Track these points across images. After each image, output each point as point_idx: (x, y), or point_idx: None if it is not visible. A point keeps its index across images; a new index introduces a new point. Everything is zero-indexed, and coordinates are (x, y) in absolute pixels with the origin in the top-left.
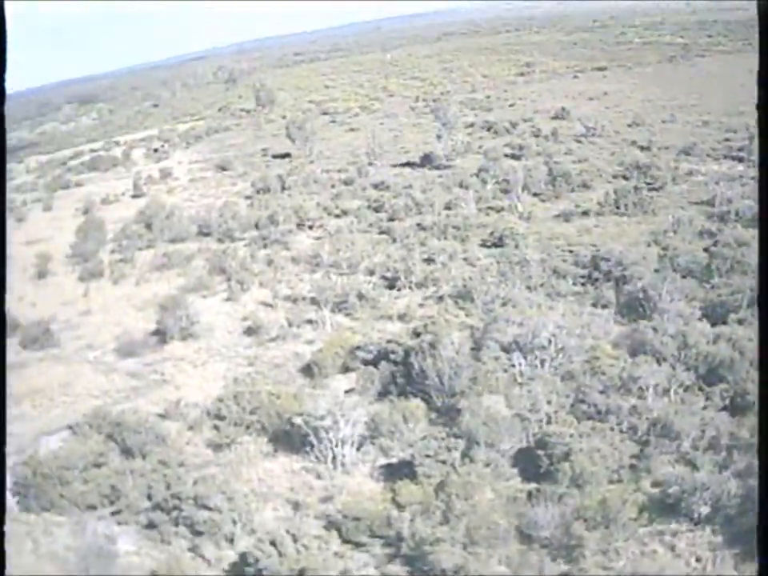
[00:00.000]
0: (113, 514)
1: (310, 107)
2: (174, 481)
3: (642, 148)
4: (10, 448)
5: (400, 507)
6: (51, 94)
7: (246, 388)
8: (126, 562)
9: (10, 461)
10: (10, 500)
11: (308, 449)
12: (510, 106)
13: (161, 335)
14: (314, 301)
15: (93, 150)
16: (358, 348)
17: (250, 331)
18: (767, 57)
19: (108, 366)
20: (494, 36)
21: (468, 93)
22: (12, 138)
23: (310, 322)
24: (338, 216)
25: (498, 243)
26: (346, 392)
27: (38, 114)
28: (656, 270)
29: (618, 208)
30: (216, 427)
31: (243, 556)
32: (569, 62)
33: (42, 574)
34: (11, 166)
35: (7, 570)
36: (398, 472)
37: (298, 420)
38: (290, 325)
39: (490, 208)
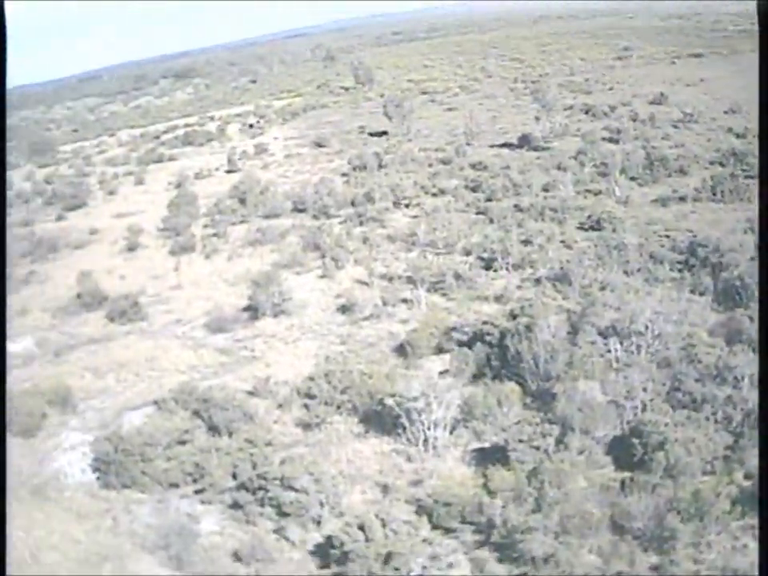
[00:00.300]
0: (196, 492)
1: (409, 86)
2: (261, 460)
3: (738, 135)
4: (92, 423)
5: (491, 493)
6: (147, 68)
7: (338, 367)
8: (208, 542)
9: (91, 436)
10: (90, 476)
11: (399, 431)
12: (609, 89)
13: (252, 311)
14: (409, 280)
15: (187, 125)
16: (453, 329)
17: (343, 309)
18: (767, 56)
19: (197, 342)
20: (590, 20)
21: (566, 75)
22: (104, 111)
23: (404, 301)
24: (434, 195)
25: (596, 226)
26: (440, 373)
27: (134, 88)
28: (752, 258)
29: (714, 194)
30: (306, 406)
31: (329, 539)
32: (665, 47)
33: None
34: (103, 138)
35: (8, 570)
36: (490, 457)
37: (389, 401)
38: (385, 304)
39: (588, 191)
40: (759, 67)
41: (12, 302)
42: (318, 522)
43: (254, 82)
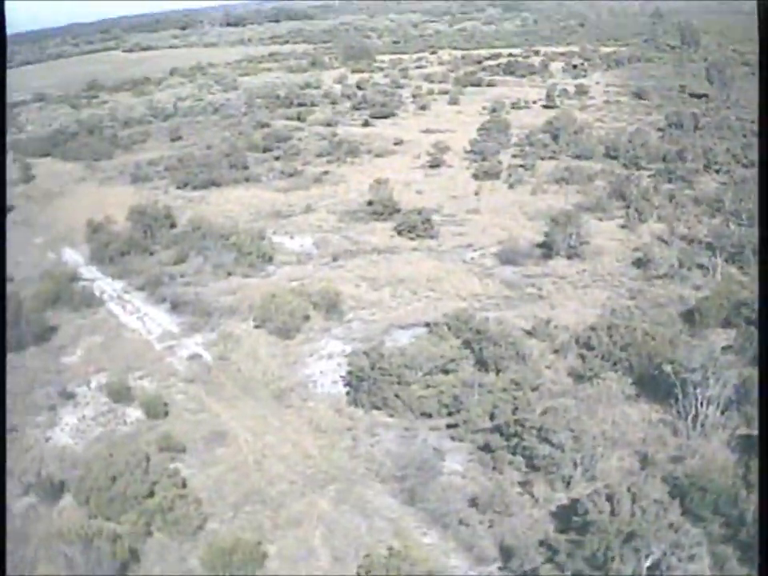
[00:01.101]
0: (448, 427)
1: (733, 56)
2: (523, 405)
3: None
4: (355, 334)
5: (749, 487)
6: None
7: (623, 322)
8: (448, 481)
9: (350, 347)
10: (340, 389)
11: (671, 401)
12: None
13: (546, 249)
14: (709, 246)
15: (511, 55)
16: (744, 304)
17: (639, 263)
18: (767, 56)
19: (484, 270)
20: None
21: None
22: (428, 28)
23: (700, 266)
24: (745, 166)
25: None
26: (723, 348)
27: (460, 12)
28: None
29: None
30: (582, 356)
31: (574, 504)
32: None
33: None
34: (423, 54)
35: (8, 570)
36: (756, 446)
37: (667, 367)
38: (681, 266)
39: None
40: (759, 67)
41: (299, 197)
42: (568, 483)
43: (582, 25)
